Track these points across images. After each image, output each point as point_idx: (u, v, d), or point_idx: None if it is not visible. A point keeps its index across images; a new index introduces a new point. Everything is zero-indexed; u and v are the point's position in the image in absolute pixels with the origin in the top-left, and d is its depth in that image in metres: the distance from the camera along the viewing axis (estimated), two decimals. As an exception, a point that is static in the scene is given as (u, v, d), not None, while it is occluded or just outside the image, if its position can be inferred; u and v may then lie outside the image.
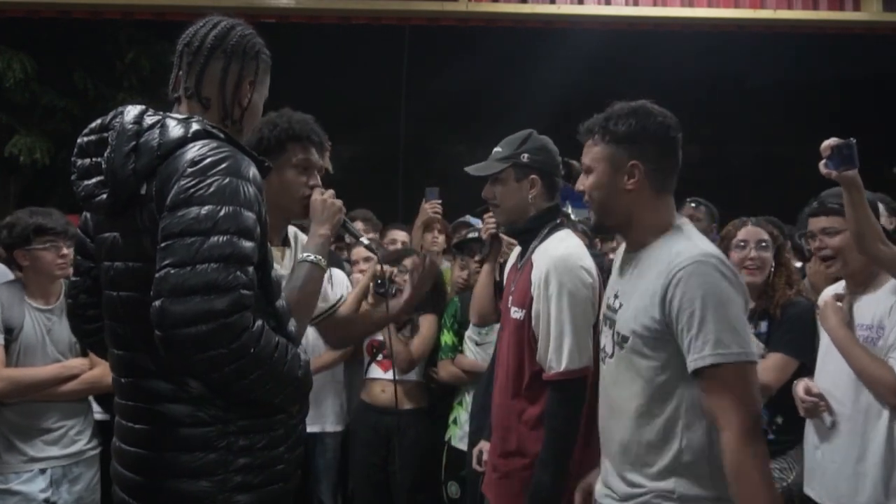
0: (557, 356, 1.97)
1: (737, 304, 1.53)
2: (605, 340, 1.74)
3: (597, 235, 1.83)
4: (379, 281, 2.87)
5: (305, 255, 1.78)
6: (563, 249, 2.05)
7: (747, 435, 1.47)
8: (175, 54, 1.55)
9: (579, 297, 1.99)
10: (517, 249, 2.33)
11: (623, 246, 1.84)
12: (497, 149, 2.20)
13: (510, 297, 2.20)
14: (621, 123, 1.64)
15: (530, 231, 2.15)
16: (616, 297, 1.72)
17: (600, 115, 1.69)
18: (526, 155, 2.14)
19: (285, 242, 2.01)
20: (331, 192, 1.90)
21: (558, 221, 2.17)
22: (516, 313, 2.12)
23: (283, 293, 1.57)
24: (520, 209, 2.16)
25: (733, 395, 1.48)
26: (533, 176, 2.13)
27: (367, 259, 3.26)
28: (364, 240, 2.03)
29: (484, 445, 2.46)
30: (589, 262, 2.07)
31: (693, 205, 3.75)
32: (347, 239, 1.95)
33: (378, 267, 2.98)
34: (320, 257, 1.77)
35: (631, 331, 1.61)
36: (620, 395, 1.66)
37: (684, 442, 1.57)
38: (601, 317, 1.82)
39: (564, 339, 1.97)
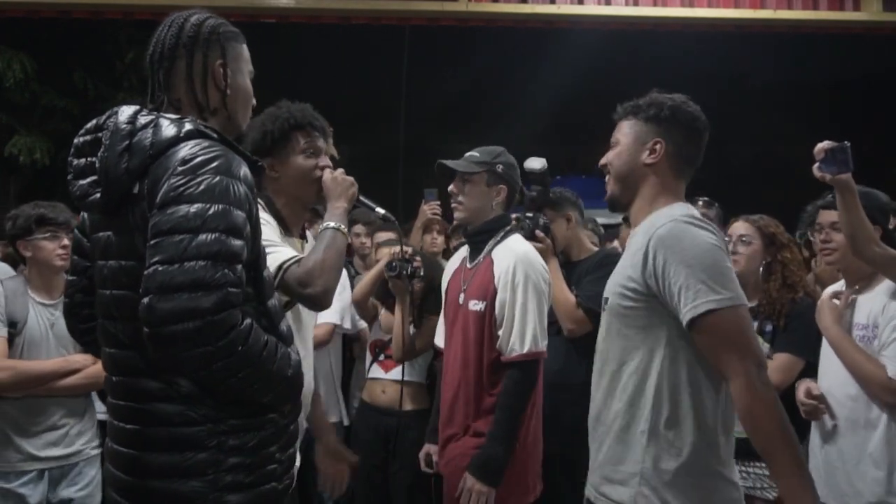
0: (521, 339, 2.20)
1: (718, 250, 1.56)
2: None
3: (612, 210, 1.89)
4: (393, 264, 2.85)
5: (326, 223, 1.81)
6: (525, 248, 2.33)
7: (754, 380, 1.48)
8: (146, 65, 1.53)
9: (540, 289, 2.25)
10: (463, 252, 2.52)
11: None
12: (473, 153, 2.41)
13: (462, 294, 2.37)
14: (655, 106, 1.75)
15: (485, 233, 2.38)
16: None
17: (637, 99, 1.79)
18: (501, 166, 2.38)
19: (302, 236, 2.05)
20: (341, 170, 1.95)
21: (510, 227, 2.42)
22: (476, 305, 2.31)
23: (308, 261, 1.66)
24: (481, 211, 2.38)
25: (732, 341, 1.50)
26: (502, 186, 2.38)
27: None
28: (379, 210, 2.07)
29: (431, 448, 2.60)
30: (542, 261, 2.35)
31: (701, 203, 3.71)
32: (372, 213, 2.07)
33: (393, 251, 2.96)
34: (341, 224, 1.81)
35: (613, 293, 1.69)
36: (605, 358, 1.73)
37: (664, 407, 1.59)
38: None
39: (528, 324, 2.20)
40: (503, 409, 2.19)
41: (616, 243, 4.00)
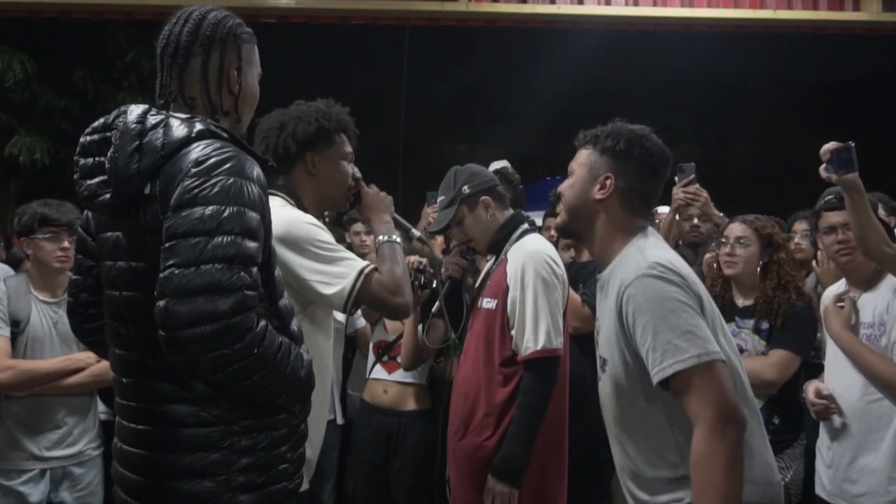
0: (534, 336, 2.18)
1: (685, 307, 1.51)
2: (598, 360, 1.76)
3: (562, 237, 1.95)
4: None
5: (383, 237, 1.90)
6: (538, 245, 2.30)
7: (715, 429, 1.45)
8: (157, 59, 1.52)
9: (551, 285, 2.22)
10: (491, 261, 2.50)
11: None
12: (440, 198, 2.43)
13: (481, 294, 2.40)
14: (611, 139, 1.69)
15: (501, 239, 2.38)
16: (598, 318, 1.74)
17: (599, 127, 1.74)
18: (466, 187, 2.37)
19: None
20: (374, 186, 2.04)
21: (527, 226, 2.38)
22: (489, 304, 2.32)
23: (389, 270, 1.76)
24: (487, 231, 2.39)
25: (699, 395, 1.46)
26: (483, 198, 2.36)
27: None
28: (415, 231, 2.18)
29: None
30: (558, 259, 2.31)
31: None
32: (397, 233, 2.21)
33: (408, 260, 2.96)
34: (395, 236, 1.92)
35: (609, 353, 1.64)
36: (612, 415, 1.69)
37: (678, 455, 1.55)
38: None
39: (540, 321, 2.18)
40: (521, 407, 2.17)
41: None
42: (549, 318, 2.18)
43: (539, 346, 2.17)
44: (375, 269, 1.76)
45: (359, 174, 2.01)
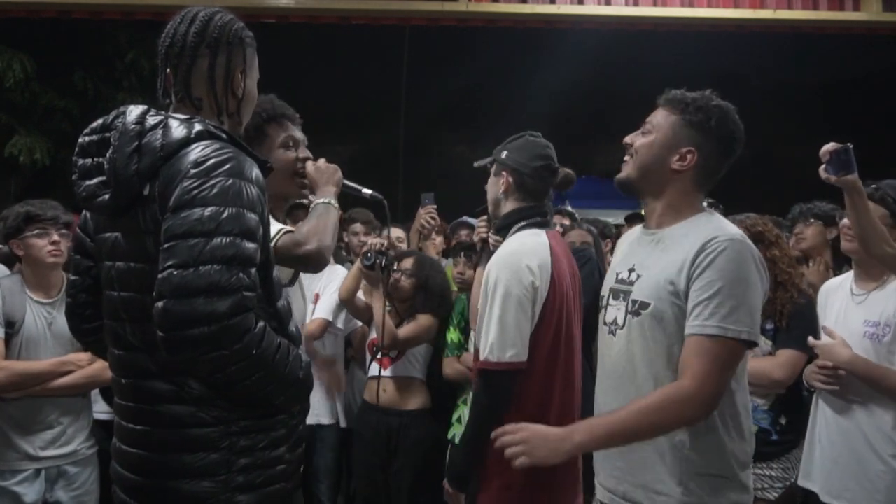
0: (483, 346, 2.00)
1: (758, 291, 1.57)
2: (616, 313, 1.74)
3: (623, 191, 1.78)
4: (368, 254, 2.89)
5: (319, 200, 1.83)
6: (515, 247, 2.07)
7: (697, 399, 1.51)
8: (158, 57, 1.52)
9: (513, 295, 1.97)
10: None
11: (634, 230, 1.90)
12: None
13: None
14: (702, 113, 1.67)
15: (503, 228, 2.21)
16: (632, 270, 1.73)
17: (688, 93, 1.73)
18: (505, 153, 2.19)
19: None
20: (322, 160, 1.94)
21: (529, 222, 2.14)
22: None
23: (300, 227, 1.68)
24: (494, 203, 2.23)
25: (716, 365, 1.52)
26: (504, 172, 2.18)
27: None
28: (366, 191, 2.06)
29: None
30: (535, 263, 2.01)
31: (705, 204, 3.68)
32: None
33: (370, 241, 3.00)
34: (332, 199, 1.84)
35: (655, 297, 1.62)
36: (638, 361, 1.66)
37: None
38: (609, 291, 1.81)
39: (490, 331, 1.98)
40: (469, 415, 2.07)
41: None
42: (498, 331, 1.95)
43: (482, 357, 1.99)
44: (287, 232, 1.73)
45: (304, 154, 1.94)
